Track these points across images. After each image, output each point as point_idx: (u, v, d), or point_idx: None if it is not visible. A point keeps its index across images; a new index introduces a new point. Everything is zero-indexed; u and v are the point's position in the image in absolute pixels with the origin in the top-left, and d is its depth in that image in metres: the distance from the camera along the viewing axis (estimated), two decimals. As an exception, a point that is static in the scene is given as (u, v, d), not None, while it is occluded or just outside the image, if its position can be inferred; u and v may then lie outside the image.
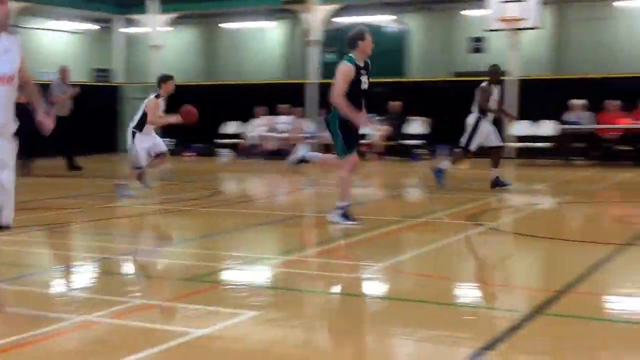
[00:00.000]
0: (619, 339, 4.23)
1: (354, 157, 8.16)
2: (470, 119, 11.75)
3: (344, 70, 7.96)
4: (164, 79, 11.09)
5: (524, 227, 8.68)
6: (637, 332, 4.35)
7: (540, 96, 18.59)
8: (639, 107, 16.99)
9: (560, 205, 10.67)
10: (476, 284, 5.87)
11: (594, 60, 20.91)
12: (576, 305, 4.97)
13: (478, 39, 21.91)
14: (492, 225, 8.41)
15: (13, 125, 4.68)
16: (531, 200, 11.10)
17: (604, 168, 16.11)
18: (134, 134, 10.91)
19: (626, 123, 17.02)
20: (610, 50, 20.91)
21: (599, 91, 17.85)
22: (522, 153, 18.45)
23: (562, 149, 17.45)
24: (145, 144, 10.92)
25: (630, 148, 17.02)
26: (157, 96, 10.99)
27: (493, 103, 11.74)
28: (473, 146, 11.71)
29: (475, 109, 11.72)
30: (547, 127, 17.90)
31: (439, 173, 11.92)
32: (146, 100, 11.07)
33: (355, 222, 8.03)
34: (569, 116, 17.58)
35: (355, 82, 7.94)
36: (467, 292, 5.66)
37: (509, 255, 7.29)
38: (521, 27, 18.32)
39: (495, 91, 11.78)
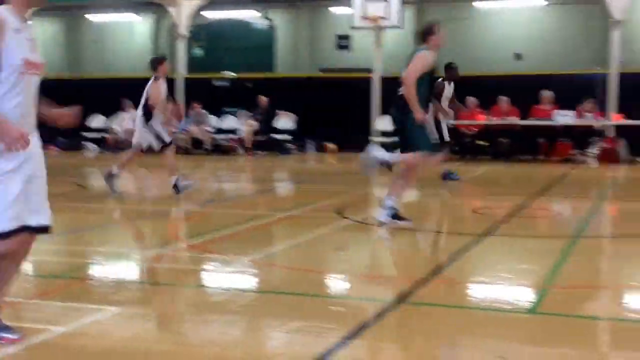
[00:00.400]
0: (478, 326, 4.42)
1: (437, 156, 7.71)
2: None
3: (424, 57, 7.47)
4: (159, 60, 10.46)
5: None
6: (494, 318, 4.57)
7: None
8: (496, 105, 17.83)
9: (423, 198, 11.03)
10: (343, 276, 5.99)
11: (453, 59, 21.72)
12: (437, 293, 5.17)
13: (344, 37, 22.29)
14: (358, 218, 8.59)
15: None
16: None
17: (463, 162, 16.79)
18: (145, 121, 10.20)
19: (483, 119, 17.84)
20: (469, 49, 21.79)
21: (459, 89, 18.53)
22: (387, 147, 18.91)
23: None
24: (158, 126, 10.27)
25: (488, 143, 17.84)
26: (156, 78, 10.29)
27: (445, 100, 12.12)
28: (446, 135, 12.07)
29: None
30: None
31: (449, 176, 12.26)
32: (148, 85, 10.29)
33: (408, 222, 7.66)
34: (431, 112, 18.22)
35: (428, 74, 7.51)
36: (334, 284, 5.77)
37: (373, 246, 7.47)
38: (382, 25, 18.77)
39: (448, 89, 12.13)
